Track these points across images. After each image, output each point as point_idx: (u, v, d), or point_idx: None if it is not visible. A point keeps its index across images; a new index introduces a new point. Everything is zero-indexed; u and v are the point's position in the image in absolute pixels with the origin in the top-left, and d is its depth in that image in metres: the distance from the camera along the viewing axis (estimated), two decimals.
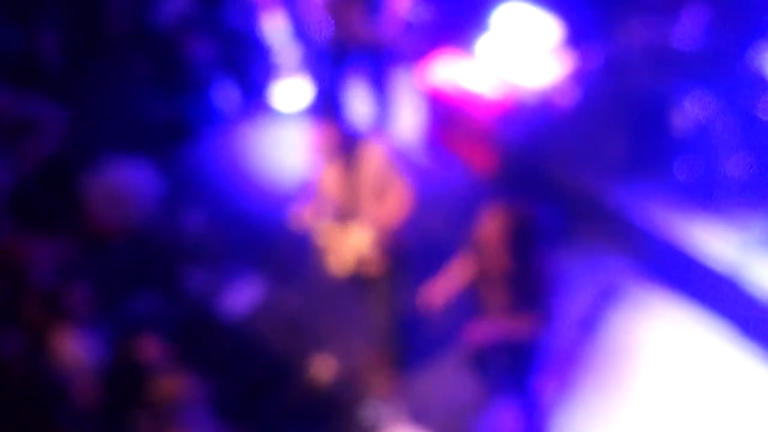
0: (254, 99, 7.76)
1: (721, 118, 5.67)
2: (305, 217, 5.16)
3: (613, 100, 6.65)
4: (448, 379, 5.80)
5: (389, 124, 7.10)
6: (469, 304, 5.05)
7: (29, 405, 4.62)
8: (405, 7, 6.50)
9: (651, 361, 5.83)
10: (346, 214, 5.18)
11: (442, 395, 5.76)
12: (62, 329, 5.06)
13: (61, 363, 5.00)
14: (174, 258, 6.52)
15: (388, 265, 5.30)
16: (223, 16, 7.57)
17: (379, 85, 6.84)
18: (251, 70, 7.60)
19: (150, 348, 5.11)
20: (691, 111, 5.73)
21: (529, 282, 4.57)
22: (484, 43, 7.14)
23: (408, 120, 7.44)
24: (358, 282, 5.50)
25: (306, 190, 4.94)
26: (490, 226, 4.54)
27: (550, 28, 6.96)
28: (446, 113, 7.09)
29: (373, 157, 4.95)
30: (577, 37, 7.02)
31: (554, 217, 6.39)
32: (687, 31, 5.75)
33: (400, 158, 5.02)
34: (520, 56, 6.98)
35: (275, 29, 7.54)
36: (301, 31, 7.45)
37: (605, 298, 4.10)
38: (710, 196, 5.95)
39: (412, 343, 5.86)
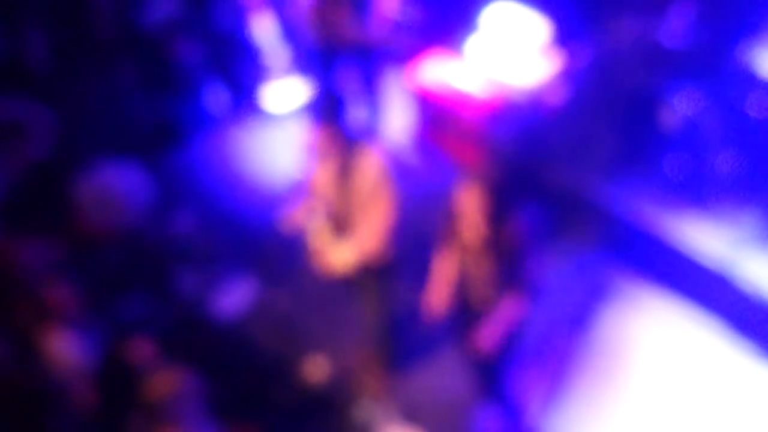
0: (244, 101, 7.76)
1: (709, 115, 5.71)
2: (296, 217, 5.10)
3: (602, 97, 6.67)
4: (439, 378, 5.78)
5: (380, 124, 7.09)
6: (457, 303, 5.01)
7: (21, 410, 4.55)
8: (393, 7, 6.47)
9: (642, 358, 5.80)
10: (337, 216, 5.13)
11: (433, 394, 5.73)
12: (53, 331, 4.99)
13: (52, 366, 4.96)
14: (165, 260, 6.47)
15: (378, 267, 5.24)
16: (211, 18, 7.54)
17: (369, 86, 6.85)
18: (240, 71, 7.60)
19: (142, 349, 5.09)
20: (679, 108, 5.78)
21: (509, 248, 4.56)
22: (473, 42, 7.13)
23: (398, 120, 7.41)
24: (349, 283, 5.45)
25: (297, 191, 4.86)
26: (466, 197, 4.55)
27: (539, 27, 6.93)
28: (436, 113, 7.07)
29: (368, 162, 4.90)
30: (566, 35, 7.00)
31: (544, 215, 6.42)
32: (675, 28, 5.76)
33: (393, 161, 4.94)
34: (509, 55, 6.98)
35: (264, 31, 7.52)
36: (290, 33, 7.43)
37: (596, 296, 4.06)
38: (700, 192, 5.97)
39: (403, 343, 5.82)
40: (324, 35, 6.57)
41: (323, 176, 5.05)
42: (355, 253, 5.08)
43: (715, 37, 5.81)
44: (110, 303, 5.75)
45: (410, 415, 5.58)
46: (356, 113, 6.89)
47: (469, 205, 4.54)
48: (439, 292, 4.97)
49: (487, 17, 7.01)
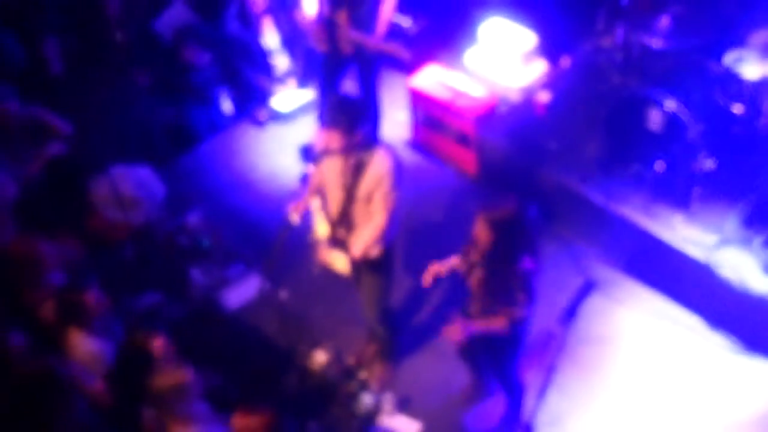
0: (252, 103, 7.71)
1: (694, 117, 5.63)
2: (300, 211, 5.09)
3: (589, 101, 6.61)
4: (434, 370, 5.79)
5: (380, 126, 7.06)
6: (453, 300, 5.02)
7: (39, 403, 4.52)
8: (391, 18, 6.45)
9: (628, 349, 5.84)
10: (339, 215, 5.11)
11: (428, 384, 5.74)
12: (75, 328, 4.99)
13: (73, 361, 4.94)
14: (177, 256, 6.46)
15: (377, 263, 5.23)
16: (221, 25, 7.51)
17: (370, 90, 6.80)
18: (249, 76, 7.55)
19: (157, 341, 5.04)
20: (665, 110, 5.67)
21: (507, 280, 4.55)
22: (471, 52, 7.13)
23: (397, 123, 7.40)
24: (349, 278, 5.45)
25: (303, 187, 4.88)
26: (479, 226, 4.51)
27: (527, 38, 6.96)
28: (432, 116, 7.07)
29: (372, 164, 4.87)
30: (550, 45, 7.01)
31: (534, 213, 6.41)
32: (660, 33, 5.71)
33: (394, 162, 4.91)
34: (501, 63, 6.97)
35: (271, 37, 7.49)
36: (296, 39, 7.41)
37: (584, 290, 4.07)
38: (683, 191, 5.91)
39: (403, 336, 5.84)
40: (329, 42, 6.57)
41: (328, 176, 5.05)
42: (355, 252, 5.07)
43: (698, 42, 5.75)
44: (125, 297, 5.76)
45: (407, 404, 5.60)
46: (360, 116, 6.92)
47: (481, 236, 4.51)
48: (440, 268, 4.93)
49: (483, 31, 7.05)
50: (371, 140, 4.96)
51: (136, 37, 7.46)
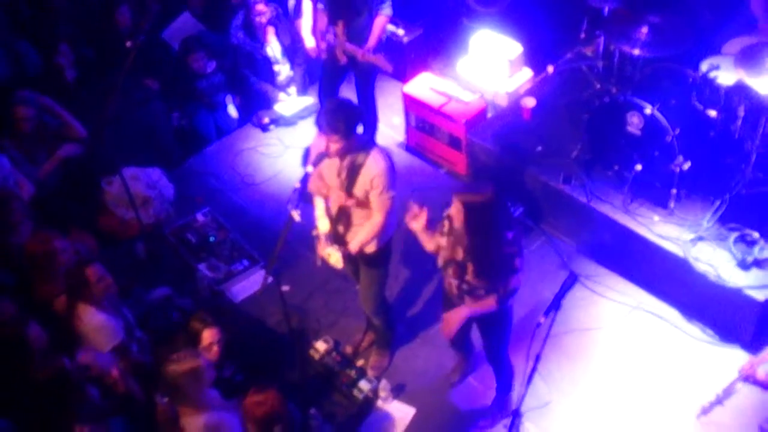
0: (256, 109, 7.72)
1: (671, 122, 5.64)
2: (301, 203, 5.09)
3: (572, 106, 6.62)
4: (427, 357, 5.80)
5: (376, 130, 7.08)
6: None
7: (54, 400, 4.55)
8: (383, 31, 6.48)
9: (609, 338, 5.85)
10: (338, 215, 5.13)
11: (423, 371, 5.75)
12: (83, 302, 4.99)
13: (83, 337, 4.95)
14: (185, 252, 6.47)
15: (374, 260, 5.24)
16: (227, 34, 7.52)
17: (367, 96, 6.82)
18: (253, 82, 7.55)
19: (209, 331, 5.06)
20: (643, 115, 5.68)
21: (488, 259, 4.52)
22: (462, 61, 7.14)
23: (392, 127, 7.41)
24: (348, 273, 5.48)
25: (303, 189, 4.88)
26: (454, 210, 4.50)
27: (513, 49, 6.98)
28: (425, 121, 7.09)
29: (368, 166, 4.87)
30: (537, 54, 7.03)
31: (517, 209, 6.41)
32: (639, 42, 5.70)
33: (389, 164, 4.92)
34: (489, 72, 6.99)
35: (274, 46, 7.50)
36: (297, 48, 7.42)
37: (568, 283, 4.07)
38: (662, 191, 5.91)
39: (397, 326, 5.84)
40: (328, 52, 6.59)
41: (327, 177, 5.06)
42: (352, 248, 5.07)
43: (675, 50, 5.74)
44: (136, 290, 5.78)
45: (404, 390, 5.62)
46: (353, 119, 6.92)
47: (457, 219, 4.50)
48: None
49: (473, 42, 7.06)
50: (366, 142, 4.95)
51: (146, 46, 7.46)
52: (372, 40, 6.42)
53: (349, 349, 5.87)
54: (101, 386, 4.70)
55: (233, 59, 7.54)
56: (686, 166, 5.74)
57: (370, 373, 5.70)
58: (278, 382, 5.02)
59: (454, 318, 4.75)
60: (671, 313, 5.91)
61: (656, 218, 5.90)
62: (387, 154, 4.98)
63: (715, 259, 5.62)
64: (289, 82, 7.67)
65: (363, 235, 5.04)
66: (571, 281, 4.08)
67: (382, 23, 6.45)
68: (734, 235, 5.69)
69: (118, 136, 6.69)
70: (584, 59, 6.68)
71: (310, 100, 7.64)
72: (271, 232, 6.53)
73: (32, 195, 6.18)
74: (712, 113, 5.70)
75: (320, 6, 6.48)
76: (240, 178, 7.26)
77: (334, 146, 4.78)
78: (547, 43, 7.19)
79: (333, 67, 6.65)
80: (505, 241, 4.46)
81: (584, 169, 6.19)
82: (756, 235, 5.62)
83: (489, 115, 7.02)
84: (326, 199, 5.15)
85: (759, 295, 5.43)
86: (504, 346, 5.07)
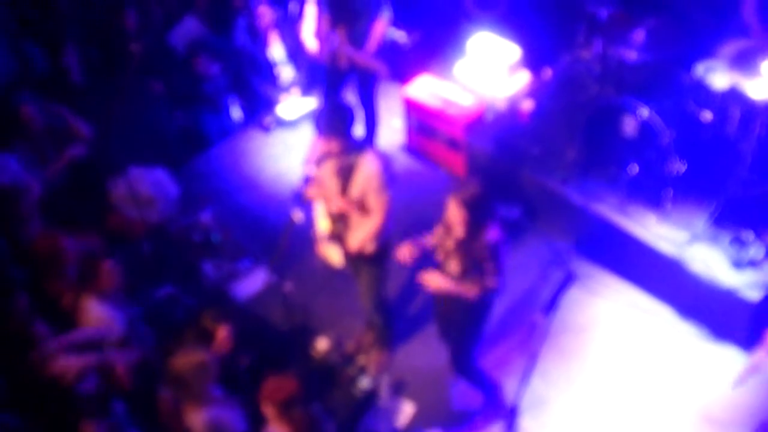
0: (259, 110, 7.71)
1: (666, 124, 5.62)
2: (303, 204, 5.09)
3: (569, 109, 6.59)
4: (425, 355, 5.79)
5: (376, 133, 7.07)
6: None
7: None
8: (383, 36, 6.47)
9: (604, 337, 5.85)
10: (337, 215, 5.12)
11: (422, 369, 5.74)
12: (89, 294, 4.99)
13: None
14: (190, 251, 6.47)
15: (373, 259, 5.24)
16: (230, 37, 7.50)
17: (368, 99, 6.81)
18: (256, 84, 7.54)
19: (222, 329, 5.07)
20: (639, 118, 5.66)
21: (476, 251, 4.60)
22: (460, 64, 7.14)
23: (392, 129, 7.41)
24: (347, 272, 5.47)
25: (304, 190, 4.87)
26: (452, 208, 4.57)
27: (511, 51, 6.97)
28: (425, 123, 7.08)
29: (366, 168, 4.87)
30: (535, 57, 7.00)
31: (515, 210, 6.40)
32: (635, 45, 5.69)
33: (387, 166, 4.91)
34: (487, 74, 6.98)
35: (277, 49, 7.49)
36: (300, 52, 7.41)
37: (564, 283, 4.06)
38: (657, 193, 5.90)
39: (396, 324, 5.84)
40: (329, 55, 6.58)
41: (325, 179, 5.05)
42: (351, 248, 5.06)
43: (670, 54, 5.73)
44: (141, 289, 5.77)
45: (403, 387, 5.62)
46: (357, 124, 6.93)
47: (452, 212, 4.57)
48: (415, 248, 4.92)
49: (471, 44, 7.06)
50: (360, 145, 4.95)
51: (151, 48, 7.45)
52: (371, 44, 6.41)
53: (350, 347, 5.87)
54: (106, 380, 4.70)
55: (237, 62, 7.52)
56: (682, 168, 5.73)
57: (370, 370, 5.70)
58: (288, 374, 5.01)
59: (436, 280, 4.76)
60: (666, 313, 5.90)
61: (652, 219, 5.89)
62: (381, 156, 4.98)
63: (710, 260, 5.61)
64: (292, 84, 7.65)
65: (362, 235, 5.04)
66: (568, 281, 4.08)
67: (381, 27, 6.45)
68: (727, 236, 5.67)
69: (124, 136, 6.69)
70: (581, 62, 6.67)
71: (312, 102, 7.63)
72: (273, 231, 6.47)
73: (40, 195, 6.17)
74: (707, 116, 5.69)
75: (322, 10, 6.47)
76: (243, 179, 7.25)
77: (330, 147, 4.78)
78: (545, 47, 7.17)
79: (335, 71, 6.64)
80: (491, 230, 4.57)
81: (581, 170, 6.18)
82: (751, 236, 5.61)
83: (488, 117, 7.00)
84: (326, 201, 5.14)
85: (753, 295, 5.42)
86: (472, 342, 5.07)
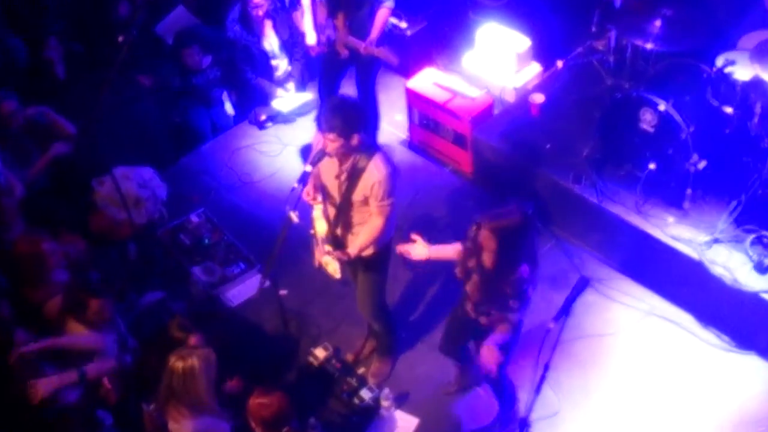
0: (253, 105, 7.70)
1: (686, 118, 5.62)
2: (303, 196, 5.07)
3: (583, 102, 6.60)
4: (430, 364, 5.77)
5: (378, 128, 7.06)
6: (448, 296, 4.99)
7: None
8: (386, 23, 6.46)
9: (622, 345, 5.83)
10: (336, 217, 5.11)
11: (424, 378, 5.73)
12: (75, 320, 4.98)
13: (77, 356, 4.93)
14: (179, 254, 6.45)
15: (372, 263, 5.23)
16: (223, 27, 7.49)
17: (368, 92, 6.80)
18: (250, 78, 7.53)
19: (192, 338, 5.05)
20: (657, 112, 5.66)
21: (503, 286, 4.54)
22: (468, 55, 7.12)
23: (395, 124, 7.39)
24: (346, 277, 5.44)
25: (302, 190, 4.85)
26: (485, 236, 4.44)
27: (521, 43, 6.95)
28: (429, 117, 7.07)
29: (371, 171, 4.84)
30: (546, 48, 6.99)
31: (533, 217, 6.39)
32: (652, 36, 5.67)
33: (391, 166, 4.89)
34: (497, 67, 6.97)
35: (272, 40, 7.47)
36: (296, 42, 7.40)
37: (579, 287, 4.03)
38: (676, 191, 5.90)
39: (399, 332, 5.82)
40: (328, 46, 6.57)
41: (326, 178, 5.03)
42: (350, 252, 5.04)
43: (690, 44, 5.73)
44: (127, 294, 5.75)
45: (404, 397, 5.59)
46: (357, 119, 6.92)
47: (486, 245, 4.46)
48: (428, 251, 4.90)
49: (480, 35, 7.03)
50: (368, 145, 4.91)
51: (138, 40, 7.45)
52: (374, 33, 6.39)
53: (349, 357, 5.85)
54: (92, 394, 4.68)
55: (229, 54, 7.50)
56: (701, 165, 5.73)
57: (371, 381, 5.68)
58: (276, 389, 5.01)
59: (492, 355, 4.65)
60: (686, 319, 5.89)
61: (670, 219, 5.88)
62: (389, 160, 4.96)
63: (731, 262, 5.61)
64: (288, 77, 7.65)
65: (362, 239, 5.02)
66: (582, 285, 4.06)
67: (385, 15, 6.43)
68: (751, 236, 5.67)
69: (110, 133, 6.68)
70: (595, 53, 6.68)
71: (308, 96, 7.62)
72: (268, 233, 6.46)
73: (22, 195, 6.16)
74: (728, 110, 5.69)
75: None
76: (236, 178, 7.24)
77: (332, 145, 4.76)
78: (557, 37, 7.17)
79: (333, 62, 6.63)
80: (523, 269, 4.47)
81: (595, 168, 6.17)
82: None
83: (496, 111, 7.00)
84: (325, 199, 5.12)
85: None
86: (504, 365, 5.03)
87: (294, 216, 4.82)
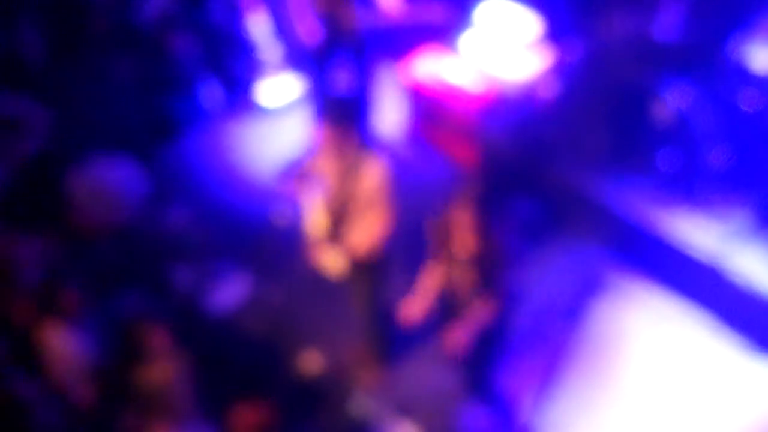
0: (237, 96, 7.74)
1: (702, 110, 5.68)
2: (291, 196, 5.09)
3: (594, 92, 6.62)
4: (431, 373, 5.76)
5: (375, 120, 7.04)
6: (441, 306, 5.03)
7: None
8: (389, 4, 6.44)
9: (636, 350, 5.81)
10: (335, 216, 5.13)
11: (424, 388, 5.72)
12: (52, 327, 4.98)
13: (51, 362, 4.93)
14: (160, 254, 6.45)
15: (370, 264, 5.25)
16: (206, 13, 7.50)
17: (363, 81, 6.77)
18: (234, 67, 7.55)
19: (156, 334, 5.01)
20: (672, 103, 5.73)
21: (491, 260, 4.61)
22: (467, 38, 7.12)
23: (392, 114, 7.38)
24: (342, 279, 5.45)
25: (296, 169, 4.86)
26: (460, 213, 4.55)
27: (531, 23, 6.94)
28: (429, 107, 7.08)
29: (371, 168, 4.89)
30: (557, 31, 6.99)
31: (535, 209, 6.42)
32: (667, 22, 5.71)
33: (391, 162, 4.91)
34: (502, 51, 6.96)
35: (258, 26, 7.48)
36: (284, 28, 7.39)
37: (590, 289, 4.03)
38: (692, 187, 5.94)
39: (396, 339, 5.80)
40: (320, 31, 6.53)
41: (323, 176, 5.05)
42: (348, 255, 5.08)
43: (707, 32, 5.78)
44: (106, 297, 5.73)
45: (403, 409, 5.58)
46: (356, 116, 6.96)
47: (462, 222, 4.55)
48: (420, 301, 4.99)
49: (480, 14, 7.01)
50: (368, 142, 4.95)
51: (116, 25, 7.44)
52: (377, 12, 6.37)
53: (343, 363, 5.82)
54: (64, 404, 4.67)
55: (213, 40, 7.49)
56: (720, 158, 5.75)
57: (366, 389, 5.67)
58: (264, 397, 5.00)
59: (461, 333, 4.72)
60: (705, 322, 5.88)
61: (687, 216, 5.89)
62: (389, 155, 5.04)
63: (752, 262, 5.62)
64: (275, 65, 7.64)
65: (360, 239, 5.05)
66: (595, 286, 4.04)
67: None
68: None
69: (86, 125, 6.70)
70: (610, 42, 6.65)
71: (297, 85, 7.59)
72: (255, 232, 6.51)
73: None
74: (748, 100, 5.70)
75: None
76: (220, 171, 7.24)
77: (333, 143, 4.79)
78: (569, 21, 7.13)
79: (323, 49, 6.58)
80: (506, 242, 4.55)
81: (609, 162, 6.19)
82: None
83: (502, 102, 6.97)
84: (321, 197, 5.13)
85: None
86: (492, 371, 5.09)
87: (283, 213, 4.84)
